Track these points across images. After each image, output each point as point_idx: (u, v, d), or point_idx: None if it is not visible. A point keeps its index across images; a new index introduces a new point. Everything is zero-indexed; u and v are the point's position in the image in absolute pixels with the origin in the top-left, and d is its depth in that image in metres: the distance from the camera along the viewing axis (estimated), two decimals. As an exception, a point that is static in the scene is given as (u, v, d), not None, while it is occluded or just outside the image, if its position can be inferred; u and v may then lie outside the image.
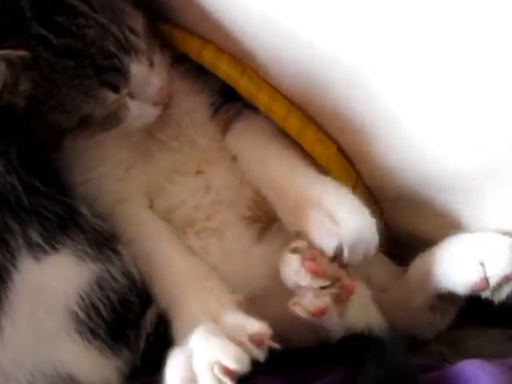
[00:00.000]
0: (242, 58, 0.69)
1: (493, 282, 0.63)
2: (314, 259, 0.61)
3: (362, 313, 0.65)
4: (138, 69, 0.64)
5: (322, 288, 0.61)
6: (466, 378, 0.55)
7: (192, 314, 0.62)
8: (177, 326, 0.64)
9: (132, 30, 0.64)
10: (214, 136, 0.74)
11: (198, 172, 0.74)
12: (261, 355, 0.56)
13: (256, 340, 0.56)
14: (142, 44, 0.65)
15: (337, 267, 0.62)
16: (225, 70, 0.69)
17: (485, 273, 0.63)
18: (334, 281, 0.62)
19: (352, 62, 0.59)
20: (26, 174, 0.62)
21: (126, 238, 0.68)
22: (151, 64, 0.67)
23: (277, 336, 0.59)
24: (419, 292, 0.68)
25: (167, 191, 0.73)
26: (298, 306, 0.61)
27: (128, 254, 0.67)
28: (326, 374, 0.61)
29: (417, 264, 0.69)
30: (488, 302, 0.64)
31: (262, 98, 0.69)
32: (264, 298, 0.68)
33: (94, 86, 0.62)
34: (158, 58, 0.69)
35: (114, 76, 0.63)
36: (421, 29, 0.53)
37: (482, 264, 0.63)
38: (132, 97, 0.66)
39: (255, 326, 0.57)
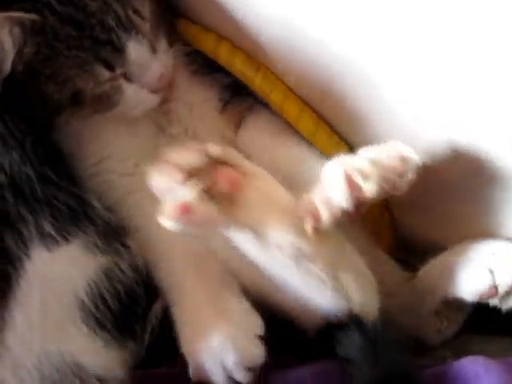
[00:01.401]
0: (255, 56, 0.69)
1: (502, 290, 0.62)
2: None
3: (359, 285, 0.60)
4: (136, 49, 0.64)
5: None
6: (466, 377, 0.54)
7: (190, 301, 0.63)
8: (176, 312, 0.64)
9: (136, 12, 0.64)
10: (223, 131, 0.74)
11: None
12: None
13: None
14: (145, 27, 0.65)
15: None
16: (240, 67, 0.70)
17: (494, 281, 0.62)
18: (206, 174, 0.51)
19: (361, 62, 0.59)
20: (39, 164, 0.63)
21: (133, 224, 0.68)
22: (154, 50, 0.67)
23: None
24: (427, 297, 0.68)
25: None
26: (162, 216, 0.50)
27: (135, 241, 0.67)
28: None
29: (426, 269, 0.69)
30: (495, 311, 0.64)
31: (275, 98, 0.69)
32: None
33: (90, 59, 0.63)
34: (163, 46, 0.68)
35: (109, 52, 0.63)
36: (425, 32, 0.53)
37: (491, 271, 0.63)
38: (129, 79, 0.66)
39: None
